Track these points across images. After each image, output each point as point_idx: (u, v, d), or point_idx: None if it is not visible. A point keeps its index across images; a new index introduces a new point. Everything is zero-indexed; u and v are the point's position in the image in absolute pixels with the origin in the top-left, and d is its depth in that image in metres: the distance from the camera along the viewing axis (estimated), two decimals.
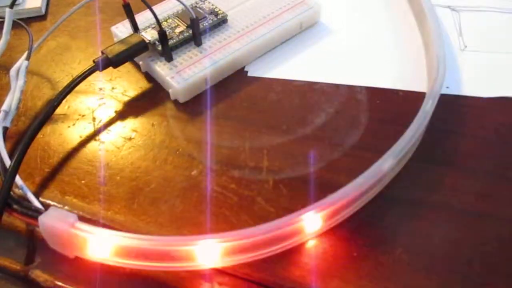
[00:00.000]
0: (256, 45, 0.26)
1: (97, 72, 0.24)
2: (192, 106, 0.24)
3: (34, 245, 0.20)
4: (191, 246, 0.18)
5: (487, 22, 0.27)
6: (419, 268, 0.18)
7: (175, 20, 0.26)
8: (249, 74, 0.26)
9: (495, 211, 0.20)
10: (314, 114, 0.23)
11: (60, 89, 0.25)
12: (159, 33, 0.24)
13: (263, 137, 0.23)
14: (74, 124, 0.24)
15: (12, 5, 0.24)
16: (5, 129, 0.22)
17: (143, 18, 0.26)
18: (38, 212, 0.19)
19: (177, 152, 0.22)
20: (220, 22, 0.26)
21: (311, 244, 0.19)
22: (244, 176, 0.21)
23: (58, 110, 0.24)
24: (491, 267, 0.18)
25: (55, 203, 0.21)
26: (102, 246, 0.18)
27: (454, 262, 0.18)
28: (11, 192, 0.20)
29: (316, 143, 0.22)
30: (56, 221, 0.18)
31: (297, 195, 0.20)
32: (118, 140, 0.23)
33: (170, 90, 0.24)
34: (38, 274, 0.20)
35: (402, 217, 0.20)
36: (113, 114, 0.24)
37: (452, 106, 0.23)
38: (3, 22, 0.26)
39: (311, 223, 0.18)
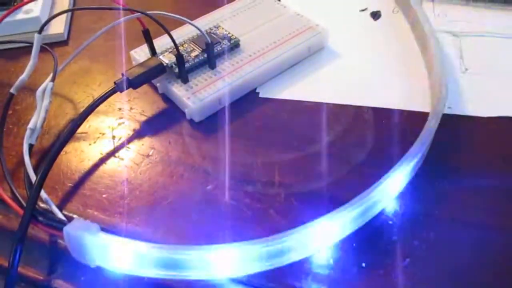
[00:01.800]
0: (267, 68, 0.27)
1: (117, 93, 0.25)
2: (206, 125, 0.25)
3: (56, 255, 0.21)
4: (208, 254, 0.18)
5: (486, 46, 0.29)
6: (426, 278, 0.19)
7: (191, 44, 0.28)
8: (260, 95, 0.27)
9: (497, 223, 0.21)
10: (323, 132, 0.25)
11: (81, 109, 0.26)
12: (176, 57, 0.25)
13: (275, 154, 0.24)
14: (95, 142, 0.25)
15: (40, 31, 0.25)
16: (31, 146, 0.24)
17: (160, 43, 0.28)
18: (62, 223, 0.20)
19: (193, 168, 0.23)
20: (233, 46, 0.28)
21: (321, 254, 0.20)
22: (257, 191, 0.22)
23: (80, 129, 0.25)
24: (496, 277, 0.19)
25: (77, 216, 0.22)
26: (123, 255, 0.19)
27: (460, 272, 0.19)
28: (36, 206, 0.21)
29: (325, 160, 0.23)
30: (80, 231, 0.19)
31: (308, 208, 0.21)
32: (137, 157, 0.24)
33: (186, 110, 0.25)
34: (60, 283, 0.21)
35: (408, 229, 0.21)
36: (131, 133, 0.25)
37: (454, 125, 0.24)
38: (25, 47, 0.28)
39: (321, 234, 0.19)
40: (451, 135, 0.24)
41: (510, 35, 0.29)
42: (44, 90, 0.25)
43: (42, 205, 0.22)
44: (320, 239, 0.19)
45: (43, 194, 0.22)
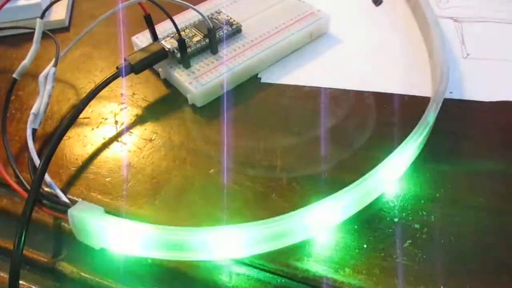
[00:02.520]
0: (268, 54, 0.27)
1: (119, 79, 0.25)
2: (208, 110, 0.26)
3: (61, 238, 0.22)
4: (210, 236, 0.19)
5: (488, 32, 0.29)
6: (426, 259, 0.19)
7: (193, 30, 0.28)
8: (262, 81, 0.27)
9: (498, 206, 0.21)
10: (324, 117, 0.25)
11: (83, 94, 0.27)
12: (178, 41, 0.25)
13: (276, 139, 0.24)
14: (97, 127, 0.25)
15: (42, 16, 0.25)
16: (34, 131, 0.24)
17: (162, 28, 0.28)
18: (67, 206, 0.20)
19: (195, 152, 0.24)
20: (235, 32, 0.28)
21: (323, 236, 0.20)
22: (259, 174, 0.22)
23: (83, 114, 0.25)
24: (494, 258, 0.19)
25: (81, 199, 0.22)
26: (127, 236, 0.19)
27: (460, 254, 0.19)
28: (41, 189, 0.21)
29: (326, 144, 0.23)
30: (85, 213, 0.19)
31: (309, 191, 0.22)
32: (140, 142, 0.24)
33: (188, 95, 0.26)
34: (65, 266, 0.21)
35: (409, 211, 0.21)
36: (134, 118, 0.26)
37: (455, 109, 0.24)
38: (27, 34, 0.28)
39: (323, 216, 0.19)
40: (453, 119, 0.24)
41: (511, 20, 0.29)
42: (46, 75, 0.25)
43: (46, 189, 0.22)
44: (321, 221, 0.20)
45: (47, 178, 0.22)
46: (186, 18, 0.29)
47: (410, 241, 0.20)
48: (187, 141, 0.24)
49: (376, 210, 0.21)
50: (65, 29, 0.32)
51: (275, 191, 0.22)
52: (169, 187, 0.22)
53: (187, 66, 0.26)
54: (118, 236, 0.19)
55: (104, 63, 0.29)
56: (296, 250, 0.20)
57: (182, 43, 0.25)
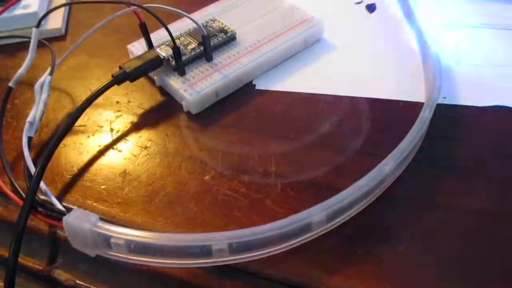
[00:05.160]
0: (263, 61, 0.27)
1: (114, 87, 0.25)
2: (203, 117, 0.26)
3: (56, 246, 0.22)
4: (205, 242, 0.19)
5: (481, 37, 0.29)
6: (421, 265, 0.19)
7: (187, 38, 0.28)
8: (257, 87, 0.27)
9: (492, 210, 0.21)
10: (319, 123, 0.25)
11: (79, 103, 0.26)
12: (173, 49, 0.25)
13: (271, 145, 0.24)
14: (93, 135, 0.25)
15: (38, 25, 0.26)
16: (30, 139, 0.24)
17: (157, 36, 0.28)
18: (62, 213, 0.20)
19: (190, 159, 0.24)
20: (229, 39, 0.28)
21: (317, 242, 0.20)
22: (254, 181, 0.22)
23: (78, 122, 0.25)
24: (490, 263, 0.19)
25: (76, 207, 0.22)
26: (122, 243, 0.19)
27: (454, 259, 0.19)
28: (36, 197, 0.21)
29: (321, 150, 0.24)
30: (80, 220, 0.19)
31: (304, 197, 0.22)
32: (135, 149, 0.24)
33: (183, 102, 0.26)
34: (60, 273, 0.21)
35: (404, 217, 0.21)
36: (129, 125, 0.26)
37: (448, 114, 0.25)
38: (23, 43, 0.28)
39: (317, 221, 0.20)
40: (446, 124, 0.24)
41: (504, 26, 0.30)
42: (42, 84, 0.25)
43: (41, 196, 0.22)
44: (316, 227, 0.20)
45: (42, 185, 0.22)
46: (181, 26, 0.29)
47: (404, 247, 0.20)
48: (182, 148, 0.24)
49: (371, 215, 0.21)
50: (61, 38, 0.32)
51: (269, 198, 0.22)
52: (164, 194, 0.22)
53: (182, 73, 0.26)
54: (113, 243, 0.19)
55: (100, 71, 0.29)
56: (291, 255, 0.20)
57: (177, 50, 0.25)
